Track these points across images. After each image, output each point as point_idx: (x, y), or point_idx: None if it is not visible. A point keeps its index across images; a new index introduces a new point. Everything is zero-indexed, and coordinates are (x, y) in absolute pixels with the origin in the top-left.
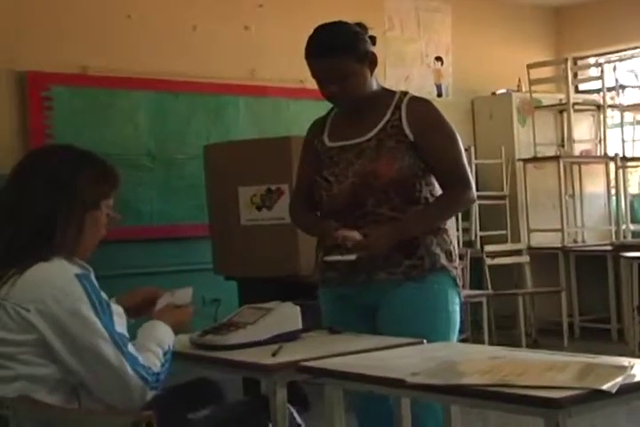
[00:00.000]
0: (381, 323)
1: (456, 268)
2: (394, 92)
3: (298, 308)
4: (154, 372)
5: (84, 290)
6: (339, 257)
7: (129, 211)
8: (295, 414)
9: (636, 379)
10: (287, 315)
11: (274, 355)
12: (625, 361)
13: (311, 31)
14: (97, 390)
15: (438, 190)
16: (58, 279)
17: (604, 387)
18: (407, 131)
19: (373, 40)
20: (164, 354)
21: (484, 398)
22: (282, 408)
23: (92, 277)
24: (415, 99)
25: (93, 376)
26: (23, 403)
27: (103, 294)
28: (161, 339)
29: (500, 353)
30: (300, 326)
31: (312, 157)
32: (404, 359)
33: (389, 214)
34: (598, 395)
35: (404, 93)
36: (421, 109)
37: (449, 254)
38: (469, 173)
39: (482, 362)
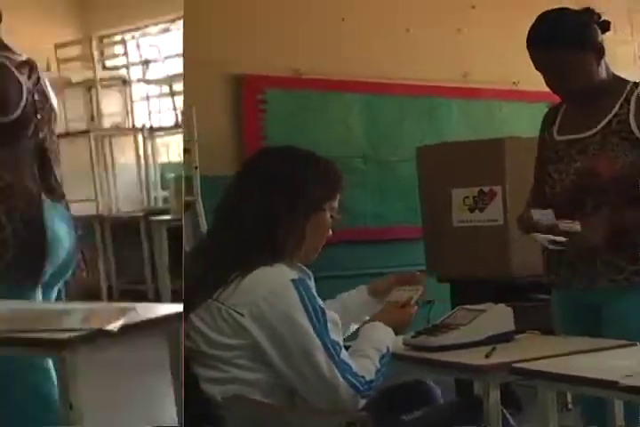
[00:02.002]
0: (606, 330)
1: None
2: (626, 82)
3: (510, 309)
4: (367, 380)
5: (298, 296)
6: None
7: (343, 213)
8: (508, 416)
9: (138, 319)
10: (500, 316)
11: (487, 356)
12: (126, 305)
13: (524, 31)
14: (307, 396)
15: None
16: (273, 284)
17: (109, 327)
18: (634, 127)
19: (606, 26)
20: (382, 358)
21: None
22: (495, 409)
23: (310, 282)
24: None
25: (304, 383)
26: (239, 403)
27: (319, 301)
28: (379, 341)
29: None
30: (513, 327)
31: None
32: (617, 361)
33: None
34: (104, 333)
35: (637, 84)
36: None
37: None
38: None
39: None
